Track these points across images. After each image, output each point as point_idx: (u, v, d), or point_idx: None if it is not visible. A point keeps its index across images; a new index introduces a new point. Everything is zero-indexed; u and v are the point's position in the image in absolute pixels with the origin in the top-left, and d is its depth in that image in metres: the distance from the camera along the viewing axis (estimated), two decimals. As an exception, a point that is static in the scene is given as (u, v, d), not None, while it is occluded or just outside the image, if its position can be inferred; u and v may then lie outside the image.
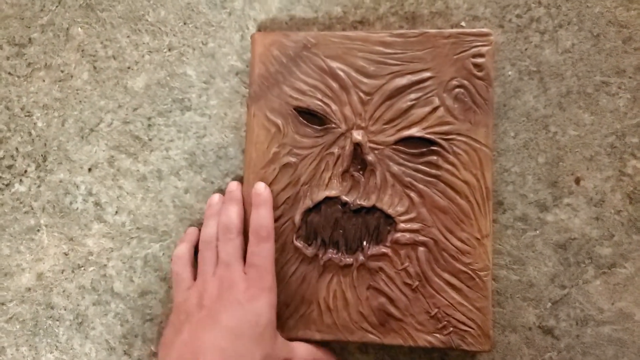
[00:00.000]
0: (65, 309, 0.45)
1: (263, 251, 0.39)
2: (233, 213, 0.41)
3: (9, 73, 0.47)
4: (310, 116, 0.42)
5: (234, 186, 0.43)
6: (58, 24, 0.47)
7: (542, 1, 0.44)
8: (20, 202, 0.46)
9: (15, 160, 0.46)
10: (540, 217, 0.43)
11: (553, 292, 0.42)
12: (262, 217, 0.40)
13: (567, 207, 0.43)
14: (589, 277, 0.42)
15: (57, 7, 0.47)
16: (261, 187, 0.41)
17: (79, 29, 0.47)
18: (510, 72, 0.44)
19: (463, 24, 0.44)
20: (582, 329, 0.42)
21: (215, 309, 0.37)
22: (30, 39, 0.47)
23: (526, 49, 0.44)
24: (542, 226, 0.43)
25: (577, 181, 0.43)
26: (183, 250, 0.42)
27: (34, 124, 0.47)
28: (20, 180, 0.46)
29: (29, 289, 0.46)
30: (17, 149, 0.47)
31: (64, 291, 0.45)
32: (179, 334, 0.37)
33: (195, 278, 0.41)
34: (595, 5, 0.43)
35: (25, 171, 0.46)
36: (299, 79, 0.42)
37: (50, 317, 0.45)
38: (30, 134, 0.47)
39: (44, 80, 0.47)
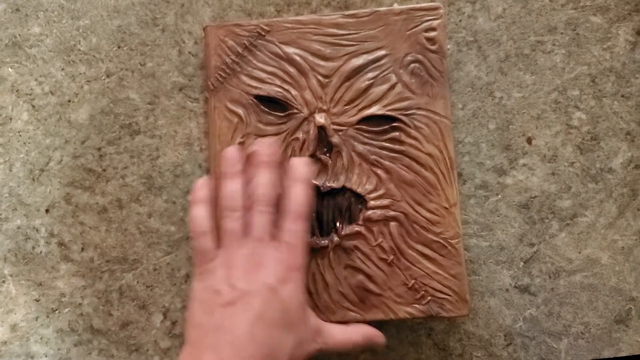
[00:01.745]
0: (46, 356, 0.44)
1: (299, 229, 0.37)
2: (271, 182, 0.38)
3: (-56, 126, 0.45)
4: (272, 103, 0.42)
5: (268, 147, 0.38)
6: (-13, 67, 0.45)
7: (468, -28, 0.44)
8: (-20, 256, 0.45)
9: (-33, 214, 0.45)
10: (499, 182, 0.44)
11: (523, 252, 0.44)
12: (301, 193, 0.38)
13: (523, 168, 0.44)
14: (554, 230, 0.44)
15: (-18, 50, 0.45)
16: (302, 162, 0.39)
17: (9, 69, 0.45)
18: (449, 46, 0.44)
19: (396, 5, 0.45)
20: (556, 282, 0.44)
21: (247, 293, 0.35)
22: (-40, 87, 0.45)
23: (460, 21, 0.45)
24: (502, 190, 0.44)
25: (529, 141, 0.44)
26: (201, 214, 0.38)
27: (-20, 173, 0.45)
28: (-24, 233, 0.45)
29: (5, 342, 0.44)
30: (-34, 202, 0.45)
31: (41, 338, 0.44)
32: (210, 316, 0.35)
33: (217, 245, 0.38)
34: (519, -32, 0.44)
35: (-20, 223, 0.45)
36: (256, 67, 0.42)
37: (33, 367, 0.44)
38: (-23, 184, 0.45)
39: (-18, 128, 0.45)
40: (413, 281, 0.41)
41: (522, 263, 0.44)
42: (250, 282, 0.35)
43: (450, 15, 0.44)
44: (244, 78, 0.42)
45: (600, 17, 0.44)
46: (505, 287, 0.44)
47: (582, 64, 0.44)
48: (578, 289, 0.43)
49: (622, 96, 0.44)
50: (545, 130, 0.44)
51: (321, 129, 0.41)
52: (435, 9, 0.42)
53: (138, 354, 0.44)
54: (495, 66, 0.44)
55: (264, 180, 0.38)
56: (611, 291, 0.43)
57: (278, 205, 0.38)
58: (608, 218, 0.44)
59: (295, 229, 0.37)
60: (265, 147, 0.39)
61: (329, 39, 0.42)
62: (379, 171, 0.42)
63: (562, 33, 0.44)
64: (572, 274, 0.43)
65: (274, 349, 0.34)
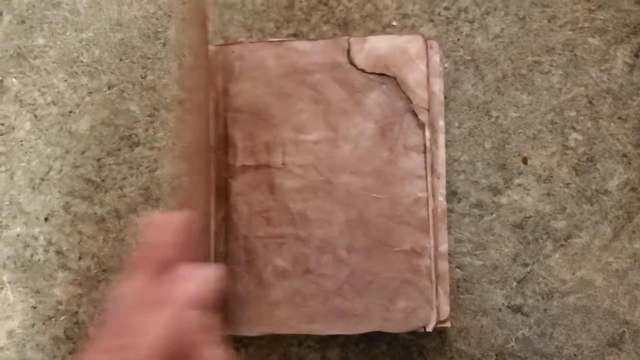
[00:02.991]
0: (41, 363, 0.45)
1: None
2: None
3: (-51, 134, 0.46)
4: None
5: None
6: (-8, 77, 0.46)
7: (467, -9, 0.45)
8: (-20, 262, 0.46)
9: (-31, 221, 0.46)
10: (494, 201, 0.44)
11: (517, 271, 0.44)
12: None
13: (518, 188, 0.44)
14: (548, 251, 0.44)
15: (-12, 60, 0.46)
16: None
17: (13, 79, 0.46)
18: (446, 65, 0.45)
19: (394, 23, 0.45)
20: (549, 302, 0.43)
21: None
22: (-35, 96, 0.46)
23: (458, 40, 0.45)
24: (497, 209, 0.44)
25: (525, 161, 0.44)
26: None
27: (-17, 181, 0.46)
28: (-23, 240, 0.46)
29: (1, 348, 0.45)
30: (-32, 209, 0.46)
31: (37, 345, 0.45)
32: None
33: None
34: (518, -12, 0.45)
35: (-19, 230, 0.46)
36: None
37: (28, 373, 0.45)
38: (-20, 192, 0.46)
39: (-14, 136, 0.46)
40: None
41: (515, 283, 0.44)
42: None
43: (449, 34, 0.45)
44: None
45: (598, 38, 0.44)
46: (498, 307, 0.44)
47: (579, 85, 0.44)
48: (571, 311, 0.43)
49: (619, 118, 0.44)
50: (541, 151, 0.44)
51: None
52: None
53: (131, 363, 0.45)
54: (492, 85, 0.44)
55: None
56: (605, 314, 0.43)
57: None
58: (603, 240, 0.43)
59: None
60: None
61: None
62: None
63: (559, 54, 0.44)
64: (565, 295, 0.43)
65: None
